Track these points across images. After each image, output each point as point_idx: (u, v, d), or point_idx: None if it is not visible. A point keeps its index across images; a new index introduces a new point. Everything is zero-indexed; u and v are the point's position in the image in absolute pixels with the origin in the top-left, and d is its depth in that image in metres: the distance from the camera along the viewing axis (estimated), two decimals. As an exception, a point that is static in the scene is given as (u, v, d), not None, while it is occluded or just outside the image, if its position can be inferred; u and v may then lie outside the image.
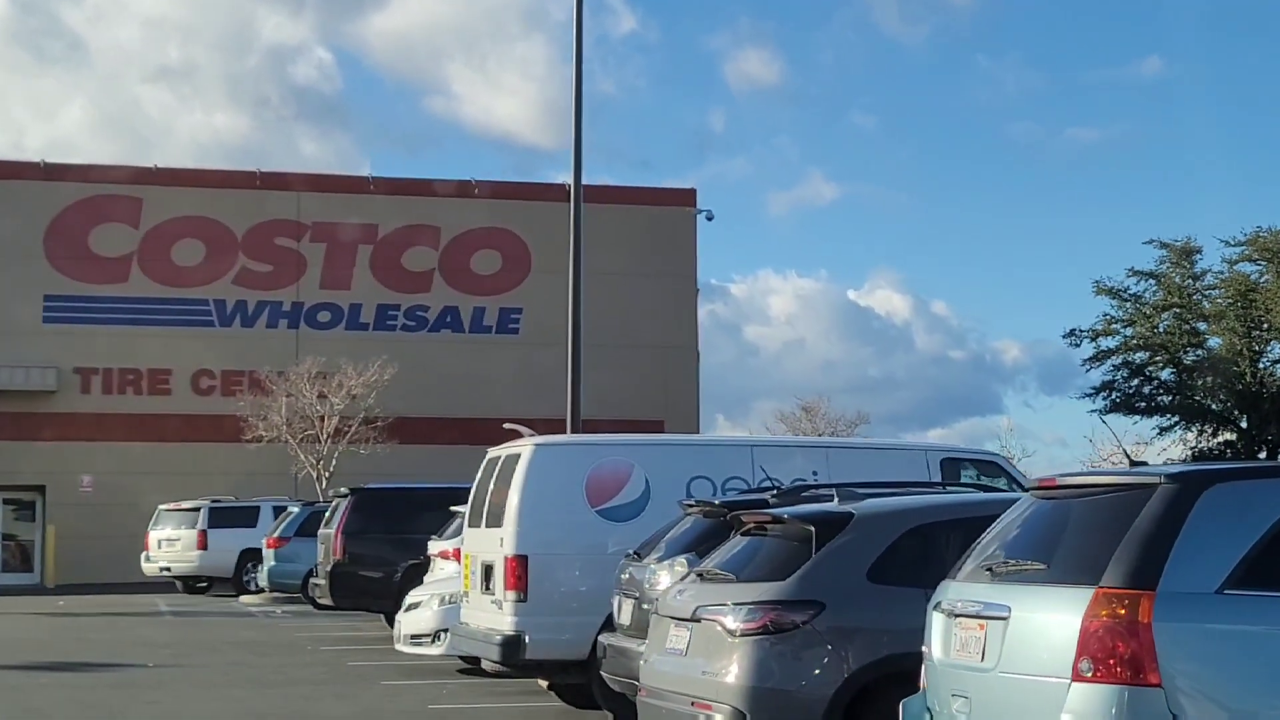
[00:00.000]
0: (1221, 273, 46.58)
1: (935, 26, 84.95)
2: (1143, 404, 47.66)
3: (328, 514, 24.58)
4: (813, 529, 9.05)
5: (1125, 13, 77.77)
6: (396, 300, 44.92)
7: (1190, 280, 47.06)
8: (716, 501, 11.87)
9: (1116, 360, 47.55)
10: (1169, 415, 47.64)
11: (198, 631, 24.70)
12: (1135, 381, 47.65)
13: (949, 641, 7.16)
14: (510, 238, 45.50)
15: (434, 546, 19.05)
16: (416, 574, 19.94)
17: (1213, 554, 6.35)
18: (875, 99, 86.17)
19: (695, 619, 9.08)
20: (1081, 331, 47.50)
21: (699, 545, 11.32)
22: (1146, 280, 47.11)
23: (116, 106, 74.64)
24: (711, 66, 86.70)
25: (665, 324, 45.86)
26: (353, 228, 44.58)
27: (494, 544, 13.53)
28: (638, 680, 11.02)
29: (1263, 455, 44.74)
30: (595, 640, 12.51)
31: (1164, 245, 46.84)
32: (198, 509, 35.38)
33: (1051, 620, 6.50)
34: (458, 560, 17.63)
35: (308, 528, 28.75)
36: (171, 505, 36.26)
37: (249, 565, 34.13)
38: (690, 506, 12.01)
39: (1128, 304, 47.15)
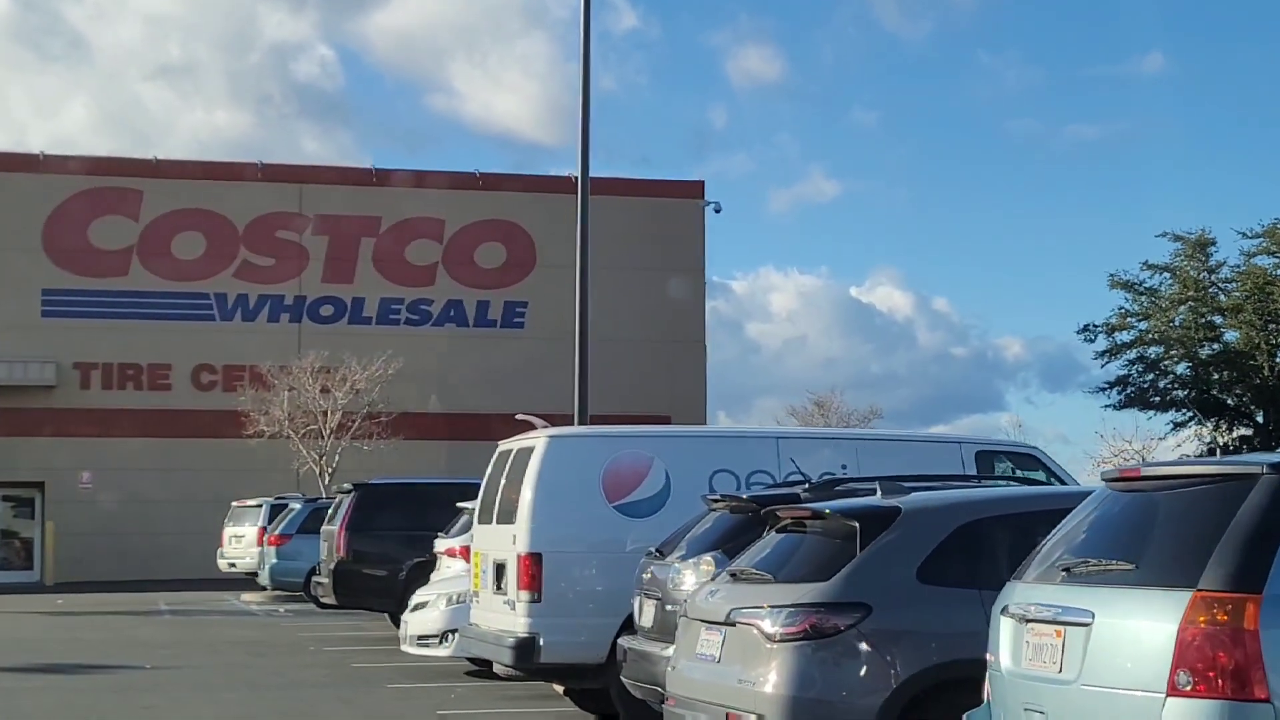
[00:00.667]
0: (1238, 265, 45.88)
1: (936, 23, 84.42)
2: (1157, 399, 46.95)
3: (331, 510, 23.97)
4: (857, 525, 8.35)
5: (1126, 8, 77.10)
6: (400, 294, 44.29)
7: (1206, 273, 46.34)
8: (745, 496, 11.19)
9: (1131, 355, 46.86)
10: (1184, 410, 46.95)
11: (198, 631, 24.06)
12: (1150, 376, 46.96)
13: (1019, 649, 6.47)
14: (515, 230, 44.86)
15: (440, 544, 18.47)
16: (422, 572, 19.40)
17: (1324, 552, 5.66)
18: (876, 95, 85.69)
19: (729, 622, 8.39)
20: (1096, 326, 46.80)
21: (725, 543, 10.69)
22: (1161, 274, 46.40)
23: (118, 104, 74.18)
24: (712, 63, 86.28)
25: (672, 317, 45.24)
26: (355, 220, 43.97)
27: (506, 541, 12.85)
28: (661, 686, 10.39)
29: (1281, 451, 44.02)
30: (614, 643, 11.88)
31: (1178, 238, 46.09)
32: (260, 506, 34.63)
33: (1142, 627, 5.81)
34: (465, 558, 17.03)
35: (310, 525, 28.21)
36: (241, 502, 35.71)
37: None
38: (716, 501, 11.33)
39: (1143, 298, 46.44)
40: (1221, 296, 46.09)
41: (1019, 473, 13.86)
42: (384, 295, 44.16)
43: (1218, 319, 46.22)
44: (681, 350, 45.31)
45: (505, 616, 12.82)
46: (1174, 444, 46.89)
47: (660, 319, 44.83)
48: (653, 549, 11.55)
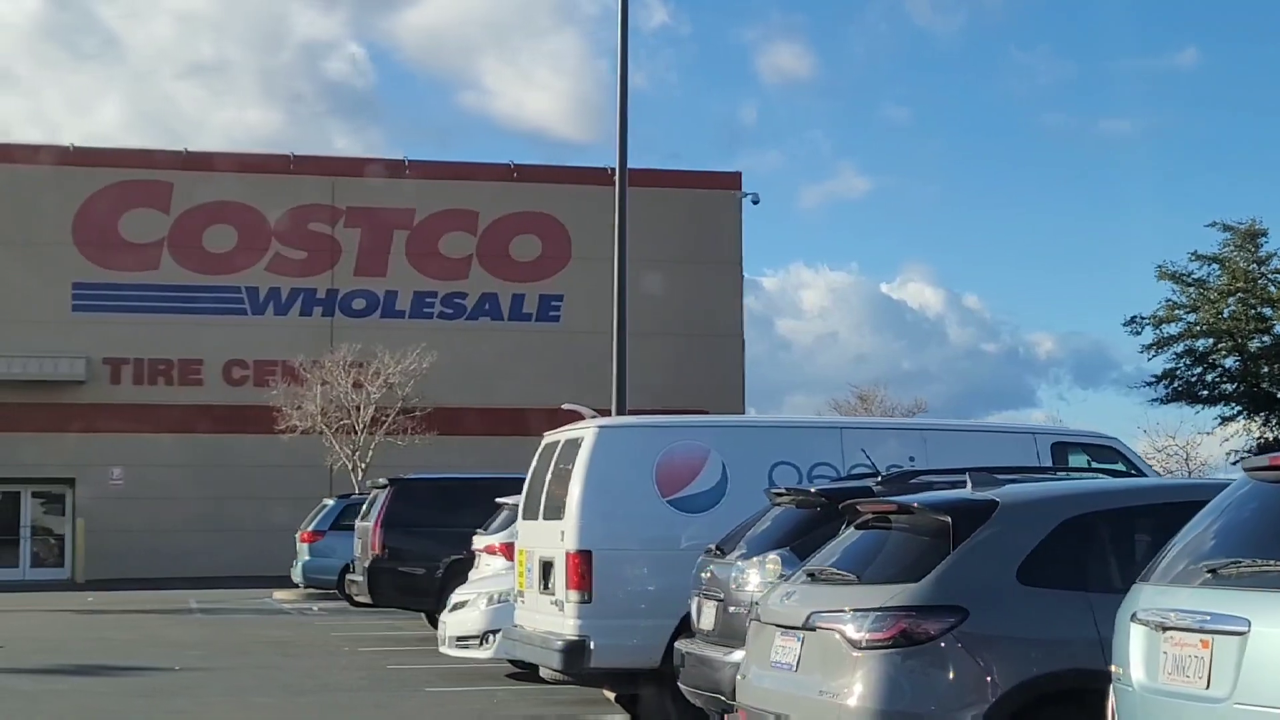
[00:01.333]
0: (1290, 256, 44.76)
1: (967, 18, 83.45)
2: (1205, 392, 45.89)
3: (365, 506, 23.34)
4: (949, 520, 7.56)
5: (1160, 1, 75.97)
6: (433, 287, 43.63)
7: (1256, 264, 45.23)
8: (811, 490, 10.42)
9: (1179, 348, 45.79)
10: (1232, 404, 45.89)
11: (228, 631, 23.45)
12: (1198, 369, 45.89)
13: (1155, 661, 5.69)
14: (550, 223, 44.15)
15: (479, 541, 17.76)
16: (460, 570, 18.78)
17: None
18: (907, 91, 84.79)
19: (808, 627, 7.62)
20: (1143, 318, 45.74)
21: (791, 540, 9.96)
22: (1210, 264, 45.32)
23: (150, 102, 73.83)
24: (743, 59, 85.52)
25: (709, 310, 44.49)
26: (388, 213, 43.37)
27: (554, 538, 12.11)
28: (723, 694, 9.67)
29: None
30: (669, 646, 11.13)
31: (1228, 228, 45.02)
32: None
33: (1310, 637, 5.03)
34: (504, 556, 16.35)
35: (343, 521, 27.61)
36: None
37: None
38: (780, 495, 10.57)
39: (1191, 289, 45.36)
40: (1272, 288, 44.97)
41: (1093, 464, 13.06)
42: (417, 288, 43.51)
43: (1268, 311, 45.12)
44: (718, 344, 44.55)
45: (553, 618, 12.09)
46: (1221, 438, 45.93)
47: (696, 312, 44.06)
48: (711, 546, 10.81)
